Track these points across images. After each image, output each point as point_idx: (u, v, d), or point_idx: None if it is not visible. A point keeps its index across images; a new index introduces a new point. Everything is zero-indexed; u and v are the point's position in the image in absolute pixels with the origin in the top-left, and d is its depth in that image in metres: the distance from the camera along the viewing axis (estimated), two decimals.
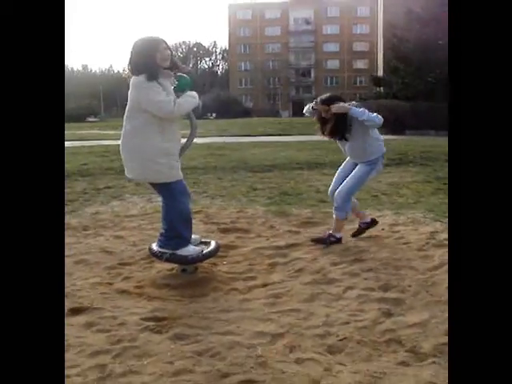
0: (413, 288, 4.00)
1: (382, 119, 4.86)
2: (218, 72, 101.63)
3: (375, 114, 4.87)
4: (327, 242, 5.14)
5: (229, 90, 79.53)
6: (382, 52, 44.43)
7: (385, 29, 33.02)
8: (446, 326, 3.32)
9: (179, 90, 4.09)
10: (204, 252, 4.33)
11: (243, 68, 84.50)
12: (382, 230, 5.70)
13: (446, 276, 4.18)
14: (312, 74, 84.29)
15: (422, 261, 4.60)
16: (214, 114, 63.24)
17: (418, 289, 3.98)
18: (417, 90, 28.84)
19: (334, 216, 5.24)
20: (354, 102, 5.11)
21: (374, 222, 5.50)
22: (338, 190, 5.18)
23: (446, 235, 5.35)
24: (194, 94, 4.12)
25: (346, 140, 5.10)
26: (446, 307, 3.60)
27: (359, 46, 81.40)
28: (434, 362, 2.93)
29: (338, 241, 5.20)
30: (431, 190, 8.36)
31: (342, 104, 4.92)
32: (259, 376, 2.78)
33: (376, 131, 5.16)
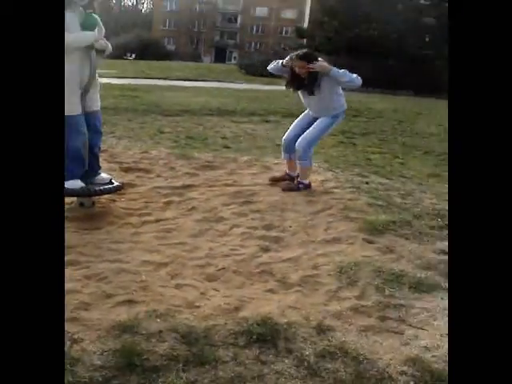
0: (293, 228, 4.42)
1: (361, 80, 5.09)
2: (142, 11, 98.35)
3: (355, 75, 5.09)
4: (299, 188, 5.51)
5: (151, 30, 77.26)
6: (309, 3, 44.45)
7: None
8: (315, 262, 3.76)
9: (86, 29, 4.20)
10: (94, 188, 4.52)
11: (168, 8, 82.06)
12: None
13: (324, 219, 4.63)
14: (239, 21, 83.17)
15: (307, 205, 5.02)
16: (133, 55, 61.46)
17: (298, 229, 4.40)
18: (339, 45, 29.35)
19: (298, 166, 5.57)
20: (320, 59, 5.24)
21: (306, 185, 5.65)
22: (299, 141, 5.46)
23: (334, 183, 5.81)
24: (89, 33, 4.23)
25: (313, 95, 5.31)
26: (319, 246, 4.05)
27: None
28: (297, 291, 3.34)
29: (308, 186, 5.57)
30: (333, 143, 8.83)
31: (324, 63, 5.13)
32: (140, 297, 3.10)
33: (340, 88, 5.39)
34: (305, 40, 34.77)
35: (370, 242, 4.13)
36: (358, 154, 7.99)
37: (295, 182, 5.65)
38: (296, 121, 5.76)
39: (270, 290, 3.35)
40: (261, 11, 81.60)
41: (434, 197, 5.65)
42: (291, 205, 5.03)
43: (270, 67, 5.56)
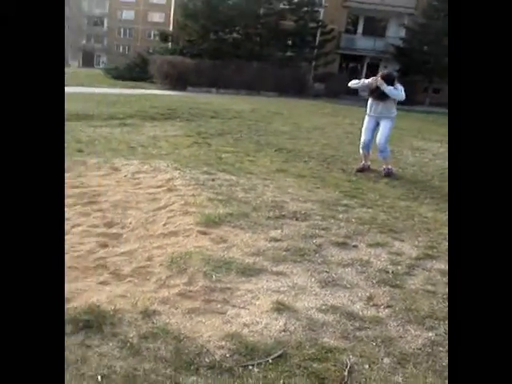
0: (132, 225, 4.61)
1: (404, 96, 7.45)
2: None
3: (397, 91, 7.38)
4: (390, 173, 7.70)
5: None
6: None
7: None
8: (149, 254, 3.98)
9: None
10: None
11: None
12: (125, 176, 6.24)
13: (165, 215, 4.86)
14: (105, 24, 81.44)
15: (149, 203, 5.24)
16: None
17: (137, 225, 4.60)
18: (202, 48, 29.78)
19: (382, 159, 7.85)
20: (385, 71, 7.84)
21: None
22: (378, 140, 7.65)
23: (180, 181, 6.07)
24: None
25: (382, 101, 7.51)
26: (156, 239, 4.27)
27: None
28: (129, 281, 3.55)
29: (392, 171, 7.78)
30: (188, 144, 9.10)
31: (384, 85, 7.34)
32: None
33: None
34: (169, 43, 34.93)
35: (205, 234, 4.42)
36: (211, 153, 8.31)
37: (383, 169, 7.79)
38: (364, 128, 7.85)
39: (103, 282, 3.53)
40: (128, 14, 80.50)
41: (276, 190, 6.08)
42: (134, 203, 5.21)
43: (354, 84, 7.84)
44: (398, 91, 7.40)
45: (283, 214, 5.18)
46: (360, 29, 36.80)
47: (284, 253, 4.18)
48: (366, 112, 7.86)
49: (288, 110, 16.47)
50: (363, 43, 35.52)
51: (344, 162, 8.41)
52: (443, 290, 3.78)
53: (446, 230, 5.20)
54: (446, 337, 3.13)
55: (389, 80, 7.42)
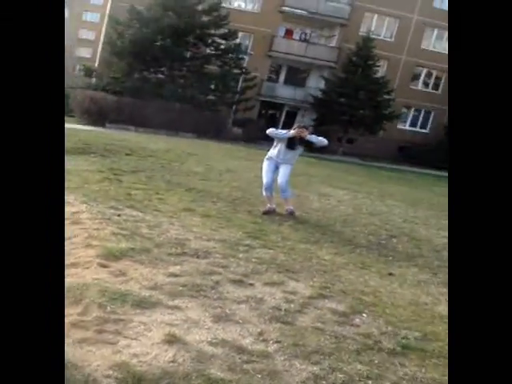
0: None
1: (326, 141, 8.27)
2: None
3: (321, 138, 8.24)
4: (292, 213, 8.17)
5: None
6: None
7: (108, 22, 33.18)
8: None
9: None
10: None
11: None
12: None
13: (68, 247, 4.84)
14: None
15: None
16: None
17: None
18: (125, 86, 29.77)
19: (284, 199, 8.28)
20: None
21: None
22: (280, 181, 8.13)
23: (86, 215, 6.06)
24: None
25: (293, 150, 8.20)
26: None
27: (86, 34, 79.39)
28: None
29: (293, 212, 8.20)
30: (98, 179, 9.05)
31: (312, 136, 8.21)
32: None
33: None
34: (93, 79, 34.71)
35: (105, 267, 4.46)
36: (121, 189, 8.31)
37: (286, 210, 8.19)
38: (266, 171, 8.29)
39: None
40: None
41: (181, 228, 6.18)
42: None
43: (275, 134, 8.34)
44: (322, 138, 8.23)
45: (185, 251, 5.28)
46: (282, 78, 37.92)
47: (181, 288, 4.27)
48: (268, 156, 8.39)
49: (203, 152, 16.69)
50: (284, 92, 36.58)
51: (251, 204, 8.62)
52: (331, 327, 3.97)
53: (341, 272, 5.45)
54: (329, 371, 3.30)
55: (305, 128, 8.28)
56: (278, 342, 3.61)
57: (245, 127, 32.17)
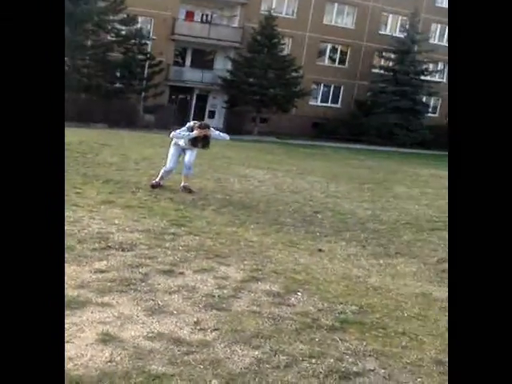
0: None
1: (228, 136, 9.28)
2: None
3: (224, 134, 9.21)
4: (188, 188, 8.50)
5: None
6: None
7: None
8: None
9: None
10: None
11: None
12: None
13: None
14: None
15: None
16: None
17: None
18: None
19: (185, 176, 8.66)
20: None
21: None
22: (188, 160, 8.64)
23: None
24: None
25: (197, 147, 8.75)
26: None
27: None
28: None
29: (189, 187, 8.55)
30: None
31: (215, 132, 8.81)
32: None
33: None
34: None
35: None
36: None
37: (181, 187, 8.59)
38: (171, 155, 8.81)
39: None
40: None
41: (102, 222, 5.97)
42: None
43: (180, 137, 8.61)
44: (224, 134, 9.15)
45: (109, 244, 5.10)
46: (188, 61, 37.49)
47: (109, 284, 4.12)
48: (174, 142, 8.91)
49: (117, 142, 16.24)
50: (192, 75, 36.20)
51: (172, 191, 8.47)
52: (268, 309, 3.94)
53: (270, 253, 5.43)
54: (271, 354, 3.27)
55: (207, 127, 8.68)
56: (215, 329, 3.55)
57: (156, 114, 31.73)
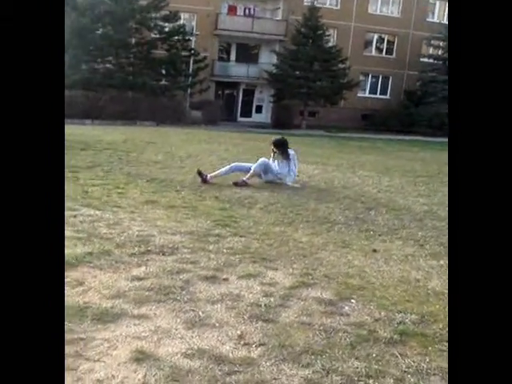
0: None
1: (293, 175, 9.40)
2: None
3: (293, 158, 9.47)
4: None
5: None
6: None
7: None
8: None
9: None
10: None
11: None
12: None
13: None
14: None
15: None
16: None
17: None
18: (74, 79, 28.87)
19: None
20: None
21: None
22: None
23: None
24: None
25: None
26: None
27: None
28: None
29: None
30: None
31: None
32: None
33: None
34: None
35: None
36: (77, 187, 7.78)
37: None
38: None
39: None
40: None
41: (143, 223, 5.71)
42: None
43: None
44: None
45: (149, 249, 4.83)
46: (233, 56, 37.35)
47: (147, 293, 3.83)
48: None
49: (162, 139, 16.13)
50: (237, 70, 36.06)
51: (217, 189, 8.18)
52: (319, 320, 3.59)
53: (321, 254, 5.07)
54: (323, 373, 2.92)
55: (280, 146, 9.47)
56: (261, 344, 3.21)
57: (203, 109, 31.67)
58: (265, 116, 37.04)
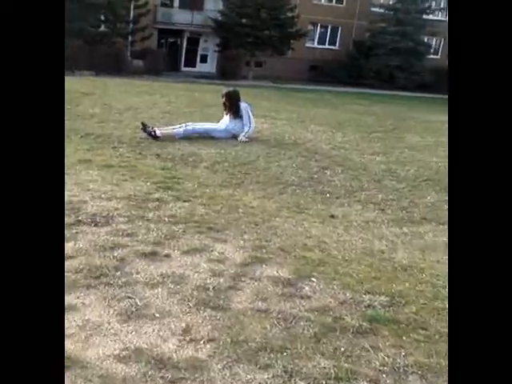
0: None
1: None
2: None
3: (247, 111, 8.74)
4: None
5: None
6: None
7: None
8: None
9: None
10: None
11: None
12: None
13: None
14: None
15: None
16: None
17: None
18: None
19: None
20: None
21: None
22: None
23: None
24: None
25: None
26: None
27: None
28: None
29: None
30: None
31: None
32: None
33: None
34: None
35: None
36: None
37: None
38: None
39: None
40: None
41: (75, 188, 5.10)
42: None
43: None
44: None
45: (79, 218, 4.25)
46: (177, 2, 35.85)
47: (74, 276, 3.28)
48: None
49: (100, 90, 15.20)
50: (181, 17, 34.70)
51: (160, 146, 7.57)
52: (276, 305, 3.13)
53: (275, 222, 4.61)
54: (286, 377, 2.47)
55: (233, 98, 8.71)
56: (210, 340, 2.73)
57: (145, 59, 30.48)
58: (210, 66, 36.02)
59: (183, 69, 35.33)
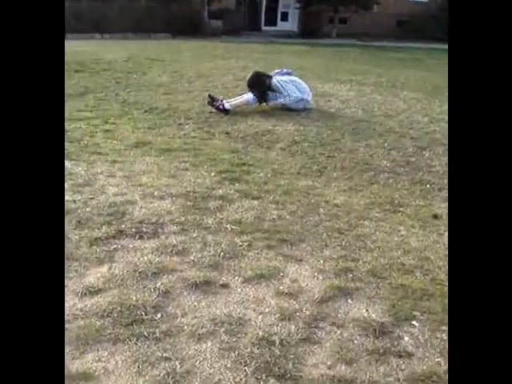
0: None
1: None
2: None
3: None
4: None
5: None
6: None
7: None
8: None
9: None
10: None
11: None
12: None
13: None
14: None
15: None
16: None
17: None
18: None
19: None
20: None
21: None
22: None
23: None
24: None
25: None
26: None
27: None
28: None
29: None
30: None
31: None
32: None
33: None
34: None
35: None
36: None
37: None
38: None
39: None
40: None
41: (124, 182, 4.45)
42: None
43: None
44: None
45: (122, 228, 3.53)
46: None
47: (101, 322, 2.54)
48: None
49: (172, 55, 14.51)
50: None
51: (230, 121, 6.78)
52: (364, 372, 2.28)
53: (364, 228, 3.75)
54: None
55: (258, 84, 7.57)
56: None
57: (224, 19, 29.63)
58: (291, 24, 34.74)
59: (263, 28, 34.22)
